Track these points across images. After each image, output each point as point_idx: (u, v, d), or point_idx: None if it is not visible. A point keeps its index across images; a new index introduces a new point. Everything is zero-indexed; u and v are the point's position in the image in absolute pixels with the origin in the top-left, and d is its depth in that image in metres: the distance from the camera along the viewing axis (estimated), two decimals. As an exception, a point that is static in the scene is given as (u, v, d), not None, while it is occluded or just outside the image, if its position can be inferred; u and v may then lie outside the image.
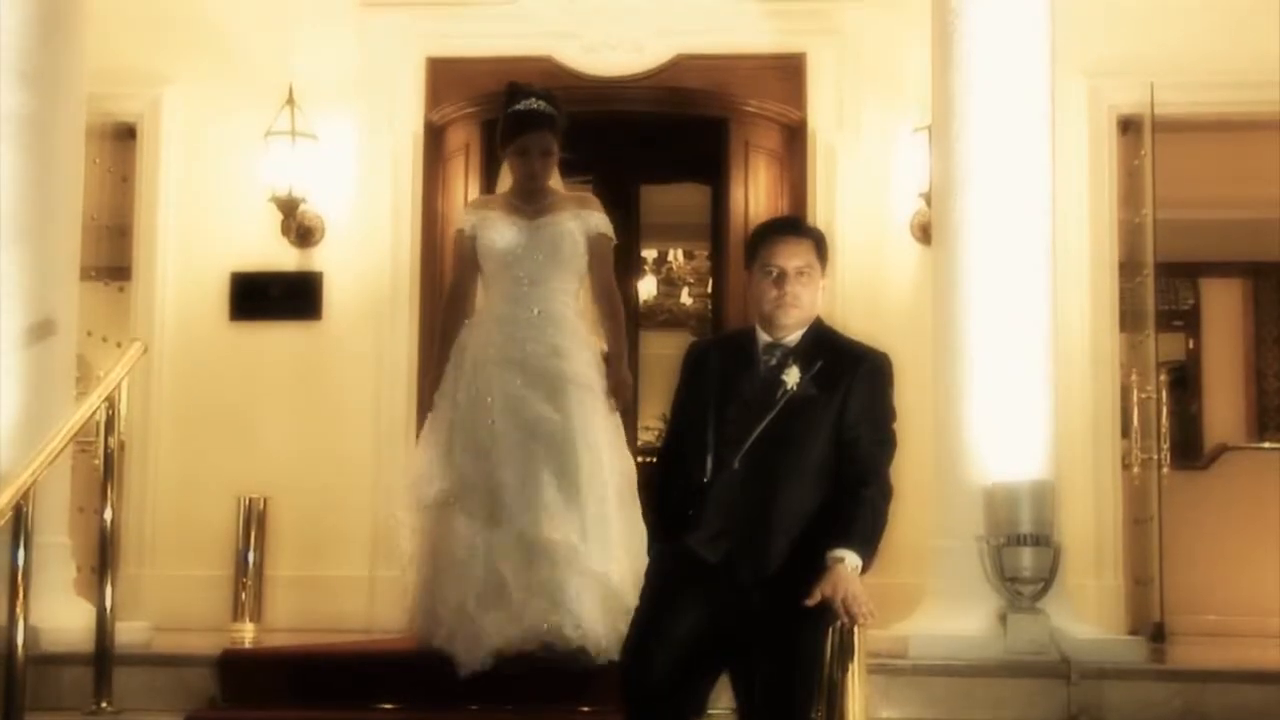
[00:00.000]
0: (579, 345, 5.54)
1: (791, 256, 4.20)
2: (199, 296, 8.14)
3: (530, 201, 5.58)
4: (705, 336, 8.71)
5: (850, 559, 3.93)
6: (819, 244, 4.28)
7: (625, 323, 5.77)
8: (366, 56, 8.21)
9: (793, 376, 4.10)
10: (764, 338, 4.22)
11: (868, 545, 3.98)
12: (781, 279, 4.17)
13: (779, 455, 4.05)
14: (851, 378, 4.11)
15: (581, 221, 5.60)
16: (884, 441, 4.13)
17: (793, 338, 4.19)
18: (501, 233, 5.52)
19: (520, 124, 5.47)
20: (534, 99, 5.50)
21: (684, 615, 4.02)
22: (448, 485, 5.40)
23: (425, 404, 5.82)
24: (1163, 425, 8.00)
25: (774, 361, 4.16)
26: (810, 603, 3.87)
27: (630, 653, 4.08)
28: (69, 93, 6.27)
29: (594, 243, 5.64)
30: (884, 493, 4.09)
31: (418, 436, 7.95)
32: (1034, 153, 6.12)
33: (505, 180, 5.73)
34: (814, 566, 3.93)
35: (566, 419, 5.37)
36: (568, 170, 8.75)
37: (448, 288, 5.80)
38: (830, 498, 4.05)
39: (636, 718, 4.02)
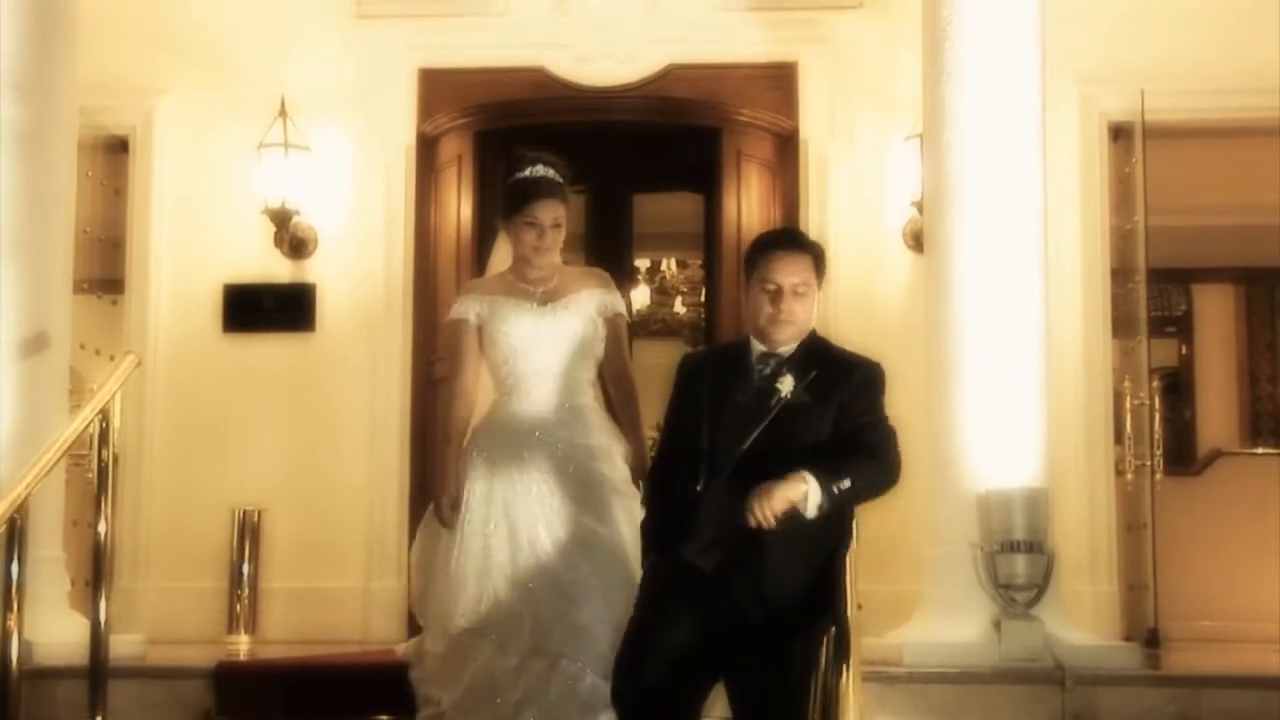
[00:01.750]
0: (612, 441, 4.99)
1: (790, 273, 4.20)
2: (192, 309, 8.14)
3: (538, 282, 4.97)
4: (699, 347, 8.72)
5: (809, 482, 3.92)
6: (818, 259, 4.28)
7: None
8: (359, 68, 8.22)
9: (787, 385, 4.11)
10: (758, 348, 4.23)
11: (836, 477, 3.95)
12: (778, 296, 4.18)
13: (774, 463, 4.03)
14: (845, 387, 4.13)
15: (597, 301, 5.04)
16: (886, 439, 4.16)
17: (787, 348, 4.20)
18: (515, 322, 4.92)
19: (530, 192, 4.87)
20: (540, 165, 4.89)
21: (678, 624, 4.01)
22: (481, 613, 4.77)
23: (422, 506, 5.29)
24: (1156, 431, 8.01)
25: (768, 371, 4.17)
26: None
27: (624, 661, 4.08)
28: (62, 106, 6.27)
29: (611, 324, 5.08)
30: (890, 450, 4.12)
31: (410, 464, 8.09)
32: (1025, 160, 6.13)
33: (500, 257, 5.13)
34: (811, 577, 3.91)
35: (615, 535, 4.80)
36: (562, 180, 8.88)
37: (450, 386, 5.07)
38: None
39: (631, 727, 4.02)
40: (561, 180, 4.95)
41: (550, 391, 4.93)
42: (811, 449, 4.05)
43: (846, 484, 3.97)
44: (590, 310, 4.99)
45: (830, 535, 4.00)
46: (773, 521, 3.86)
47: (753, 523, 3.85)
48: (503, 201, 4.99)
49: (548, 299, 4.95)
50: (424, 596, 5.00)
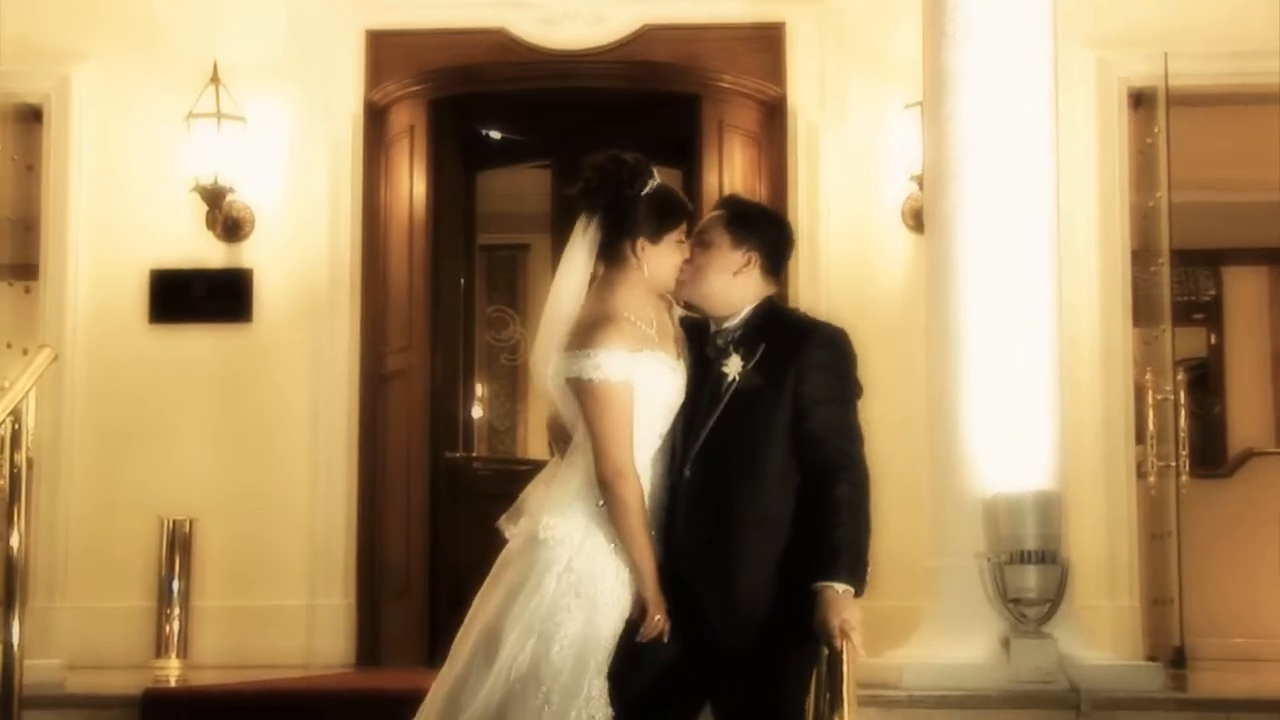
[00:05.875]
0: None
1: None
2: (115, 297, 8.13)
3: (649, 321, 4.21)
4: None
5: (841, 587, 3.87)
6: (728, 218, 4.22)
7: None
8: (299, 29, 8.21)
9: (733, 367, 4.03)
10: (712, 321, 4.20)
11: (855, 569, 3.90)
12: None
13: (732, 460, 3.99)
14: (800, 359, 3.99)
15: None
16: (850, 430, 4.00)
17: (734, 321, 4.11)
18: (669, 378, 4.18)
19: (684, 206, 4.29)
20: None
21: (665, 637, 4.00)
22: None
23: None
24: (1181, 429, 8.06)
25: (714, 350, 4.10)
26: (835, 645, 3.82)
27: (614, 671, 4.04)
28: (-33, 72, 6.26)
29: None
30: (860, 488, 3.94)
31: (359, 468, 8.05)
32: (1036, 131, 6.16)
33: (574, 279, 4.27)
34: (791, 588, 3.90)
35: None
36: (523, 155, 8.90)
37: (617, 470, 4.05)
38: (803, 503, 3.96)
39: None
40: None
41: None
42: (774, 461, 3.97)
43: (864, 556, 3.92)
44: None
45: (814, 539, 3.96)
46: (861, 632, 3.82)
47: (843, 644, 3.80)
48: (647, 214, 4.22)
49: (668, 345, 4.24)
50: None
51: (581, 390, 4.09)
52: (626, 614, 4.06)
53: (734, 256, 4.13)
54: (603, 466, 4.06)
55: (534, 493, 4.25)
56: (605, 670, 4.01)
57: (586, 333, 4.10)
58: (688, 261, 4.15)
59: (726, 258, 4.13)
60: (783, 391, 3.98)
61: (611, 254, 4.21)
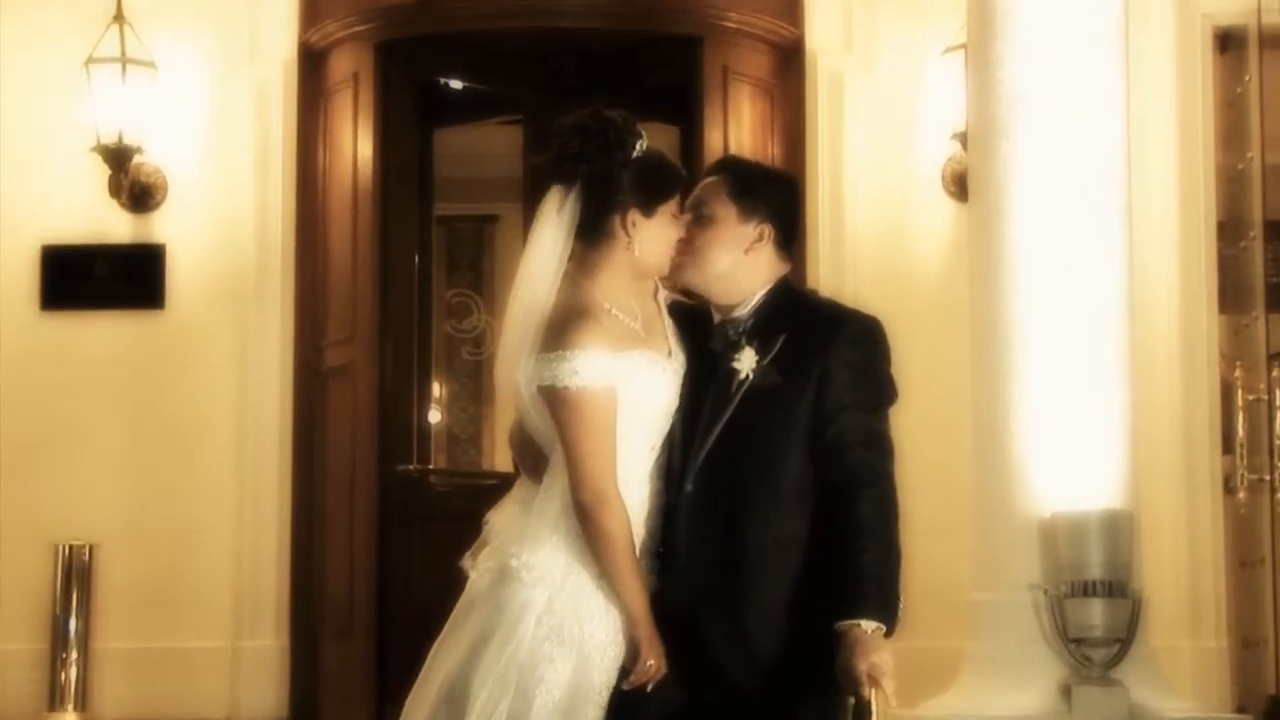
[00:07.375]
0: None
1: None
2: (-1, 278, 8.14)
3: (631, 312, 4.21)
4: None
5: (872, 624, 3.87)
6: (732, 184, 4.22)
7: None
8: (221, -42, 8.22)
9: (746, 362, 4.03)
10: (715, 311, 4.20)
11: (885, 603, 3.91)
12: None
13: (743, 470, 3.99)
14: (827, 354, 4.00)
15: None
16: (878, 441, 4.01)
17: (746, 308, 4.12)
18: (660, 381, 4.17)
19: (678, 174, 4.30)
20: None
21: (667, 677, 4.01)
22: None
23: None
24: (1277, 436, 8.06)
25: (721, 342, 4.10)
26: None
27: (613, 712, 4.06)
28: None
29: None
30: (884, 509, 3.96)
31: (293, 482, 8.05)
32: (1103, 79, 6.17)
33: (544, 262, 4.23)
34: (810, 621, 3.92)
35: None
36: (490, 108, 8.89)
37: (596, 491, 4.04)
38: (821, 523, 3.97)
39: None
40: None
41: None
42: (792, 472, 3.98)
43: (895, 588, 3.93)
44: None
45: (835, 568, 3.98)
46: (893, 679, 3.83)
47: (873, 692, 3.82)
48: (637, 183, 4.22)
49: (657, 341, 4.24)
50: None
51: (556, 399, 4.05)
52: (620, 659, 4.05)
53: (743, 231, 4.13)
54: (581, 490, 4.03)
55: (500, 519, 4.22)
56: None
57: (561, 330, 4.06)
58: (683, 240, 4.15)
59: (734, 233, 4.13)
60: (805, 390, 3.99)
61: (595, 231, 4.18)
